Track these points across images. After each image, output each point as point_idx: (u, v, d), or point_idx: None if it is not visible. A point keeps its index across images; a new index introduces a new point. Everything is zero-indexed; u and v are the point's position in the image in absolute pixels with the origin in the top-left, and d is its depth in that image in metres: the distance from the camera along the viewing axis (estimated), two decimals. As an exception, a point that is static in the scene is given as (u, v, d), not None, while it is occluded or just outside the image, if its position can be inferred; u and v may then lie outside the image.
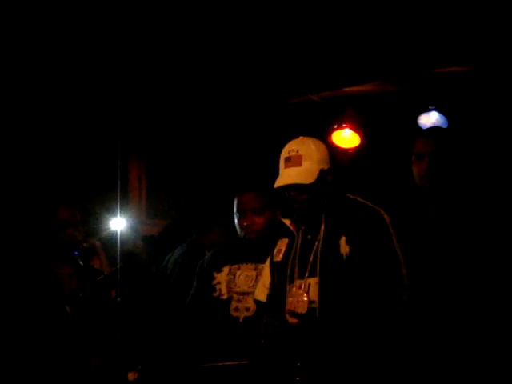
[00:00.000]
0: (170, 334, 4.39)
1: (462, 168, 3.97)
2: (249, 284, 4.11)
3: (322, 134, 5.50)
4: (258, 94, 5.92)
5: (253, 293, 3.95)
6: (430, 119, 5.88)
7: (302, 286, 3.48)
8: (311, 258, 3.51)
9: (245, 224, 4.17)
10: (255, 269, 4.12)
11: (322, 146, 3.68)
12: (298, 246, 3.60)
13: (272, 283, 3.75)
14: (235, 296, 4.14)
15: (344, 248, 3.42)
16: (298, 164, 3.60)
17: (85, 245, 4.58)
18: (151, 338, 4.56)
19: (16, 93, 5.38)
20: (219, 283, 4.19)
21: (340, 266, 3.41)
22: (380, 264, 3.38)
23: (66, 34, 5.00)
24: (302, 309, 3.46)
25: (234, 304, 4.12)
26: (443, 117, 5.86)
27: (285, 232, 3.73)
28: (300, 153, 3.62)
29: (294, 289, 3.52)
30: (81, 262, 4.51)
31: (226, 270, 4.21)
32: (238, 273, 4.17)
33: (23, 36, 4.93)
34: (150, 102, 5.96)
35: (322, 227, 3.53)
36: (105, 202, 5.33)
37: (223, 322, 4.08)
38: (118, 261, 4.36)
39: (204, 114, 6.14)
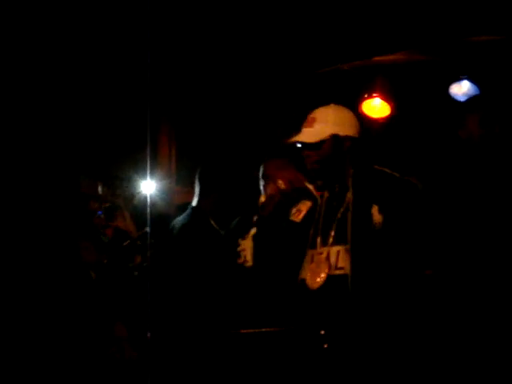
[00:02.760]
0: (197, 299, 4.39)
1: None
2: None
3: (352, 104, 5.48)
4: (289, 64, 5.91)
5: None
6: (461, 88, 5.85)
7: (325, 253, 3.49)
8: (335, 225, 3.51)
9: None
10: None
11: (346, 114, 3.66)
12: (322, 212, 3.60)
13: (286, 244, 3.72)
14: None
15: (377, 217, 3.42)
16: (310, 126, 3.63)
17: (107, 204, 4.60)
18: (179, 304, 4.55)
19: (45, 62, 5.41)
20: (244, 250, 4.20)
21: (372, 235, 3.41)
22: (414, 232, 3.41)
23: (97, 12, 5.05)
24: (324, 274, 3.46)
25: None
26: (475, 86, 5.82)
27: (308, 195, 3.71)
28: (315, 115, 3.64)
29: (316, 255, 3.52)
30: (103, 237, 4.53)
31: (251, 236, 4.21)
32: None
33: (53, 18, 4.98)
34: (180, 73, 5.97)
35: (349, 195, 3.53)
36: (135, 168, 5.34)
37: (246, 289, 4.09)
38: (148, 224, 4.36)
39: (233, 85, 6.15)
